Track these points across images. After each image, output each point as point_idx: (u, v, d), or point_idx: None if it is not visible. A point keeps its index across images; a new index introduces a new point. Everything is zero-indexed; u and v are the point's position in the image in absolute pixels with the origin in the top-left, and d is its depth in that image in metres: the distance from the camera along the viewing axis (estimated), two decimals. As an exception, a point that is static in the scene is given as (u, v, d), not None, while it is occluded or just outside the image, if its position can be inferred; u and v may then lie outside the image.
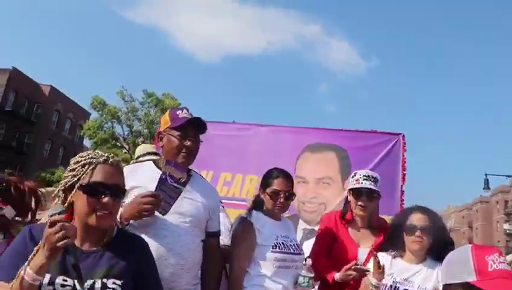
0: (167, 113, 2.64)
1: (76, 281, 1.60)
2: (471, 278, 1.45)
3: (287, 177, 2.95)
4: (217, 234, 2.71)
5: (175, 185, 2.34)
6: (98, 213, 1.68)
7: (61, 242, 1.49)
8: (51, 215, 1.80)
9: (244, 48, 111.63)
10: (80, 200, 1.69)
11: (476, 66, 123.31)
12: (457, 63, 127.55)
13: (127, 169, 2.45)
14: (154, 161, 2.64)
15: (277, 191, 2.86)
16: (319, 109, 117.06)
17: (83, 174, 1.72)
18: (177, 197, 2.36)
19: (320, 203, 5.08)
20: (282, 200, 2.87)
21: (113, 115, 31.53)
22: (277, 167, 3.04)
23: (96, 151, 1.84)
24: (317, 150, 5.22)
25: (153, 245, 2.28)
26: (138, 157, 4.11)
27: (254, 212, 2.88)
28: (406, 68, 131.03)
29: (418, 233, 2.72)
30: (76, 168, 1.74)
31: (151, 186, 2.34)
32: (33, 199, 2.19)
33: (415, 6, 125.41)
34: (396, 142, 5.13)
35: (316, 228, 4.96)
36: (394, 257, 2.82)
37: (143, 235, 2.25)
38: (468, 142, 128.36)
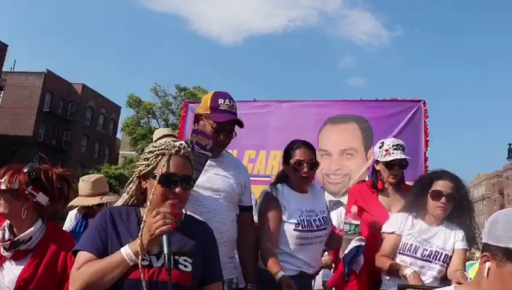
0: (210, 96, 2.57)
1: (152, 257, 1.70)
2: None
3: (309, 147, 2.85)
4: (250, 209, 2.70)
5: (202, 151, 2.33)
6: (170, 201, 1.75)
7: (160, 228, 1.64)
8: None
9: (266, 28, 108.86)
10: (152, 189, 1.75)
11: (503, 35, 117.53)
12: (484, 24, 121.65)
13: None
14: (186, 142, 2.64)
15: (300, 161, 2.76)
16: (345, 83, 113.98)
17: (156, 164, 1.78)
18: (205, 163, 2.35)
19: (344, 175, 5.01)
20: (306, 169, 2.76)
21: (148, 110, 32.08)
22: (297, 139, 2.96)
23: (168, 141, 1.88)
24: (339, 122, 5.12)
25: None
26: (156, 140, 4.17)
27: (279, 185, 2.80)
28: (432, 33, 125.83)
29: (443, 200, 2.70)
30: (150, 157, 1.80)
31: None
32: (65, 185, 2.22)
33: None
34: (417, 109, 4.97)
35: (342, 199, 4.93)
36: (415, 217, 2.80)
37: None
38: (495, 110, 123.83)
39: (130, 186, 1.90)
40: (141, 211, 1.83)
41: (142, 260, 1.66)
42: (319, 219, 2.78)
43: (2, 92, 34.14)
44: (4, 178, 2.04)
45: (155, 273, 1.68)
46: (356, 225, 2.69)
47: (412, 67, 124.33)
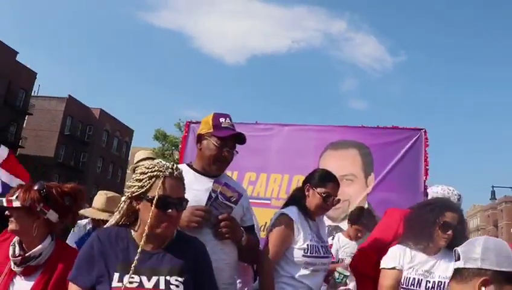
0: (210, 117, 2.48)
1: (142, 278, 1.63)
2: None
3: (338, 183, 2.77)
4: (252, 227, 2.59)
5: (225, 202, 2.31)
6: (164, 224, 1.69)
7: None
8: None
9: (269, 48, 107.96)
10: (147, 211, 1.69)
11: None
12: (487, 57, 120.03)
13: None
14: (188, 164, 2.54)
15: (330, 194, 2.66)
16: (347, 106, 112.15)
17: (150, 186, 1.71)
18: None
19: (344, 200, 4.70)
20: (330, 204, 2.68)
21: (173, 144, 32.68)
22: (326, 169, 2.88)
23: (160, 162, 1.80)
24: (340, 148, 4.90)
25: None
26: (138, 162, 4.05)
27: (294, 208, 2.65)
28: (435, 61, 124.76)
29: (450, 232, 2.54)
30: (143, 179, 1.73)
31: (194, 187, 2.23)
32: (74, 202, 2.16)
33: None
34: (418, 137, 4.76)
35: (340, 224, 4.71)
36: (412, 248, 2.62)
37: (188, 232, 2.17)
38: (494, 139, 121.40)
39: (121, 206, 1.81)
40: (132, 232, 1.76)
41: (131, 283, 1.60)
42: (325, 246, 2.70)
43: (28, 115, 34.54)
44: (16, 195, 2.01)
45: None
46: (346, 276, 2.80)
47: (414, 93, 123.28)
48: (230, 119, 2.49)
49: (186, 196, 2.07)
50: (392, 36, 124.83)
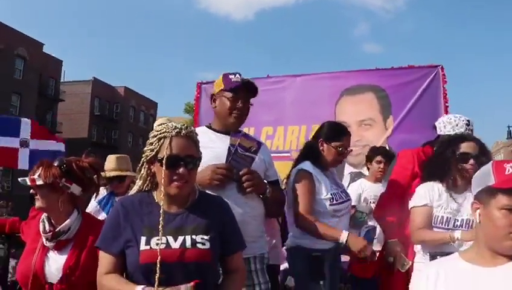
0: (221, 77, 2.44)
1: (169, 238, 1.61)
2: (491, 182, 1.43)
3: (350, 134, 2.77)
4: (277, 182, 2.53)
5: (246, 153, 2.25)
6: (176, 183, 1.66)
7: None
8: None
9: (277, 0, 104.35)
10: (159, 172, 1.68)
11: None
12: None
13: None
14: (207, 126, 2.48)
15: (345, 146, 2.68)
16: (362, 51, 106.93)
17: (159, 147, 1.69)
18: (250, 166, 2.25)
19: (364, 146, 4.56)
20: (345, 155, 2.74)
21: None
22: (337, 122, 3.02)
23: (170, 123, 1.76)
24: (356, 93, 4.68)
25: (222, 197, 2.11)
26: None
27: (307, 163, 2.63)
28: None
29: (471, 161, 2.37)
30: (153, 142, 1.72)
31: (214, 146, 2.23)
32: (95, 174, 2.17)
33: None
34: (435, 74, 4.51)
35: (362, 170, 4.53)
36: (440, 186, 2.47)
37: (212, 190, 2.15)
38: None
39: (141, 172, 1.78)
40: (154, 195, 1.74)
41: (157, 244, 1.59)
42: (342, 191, 2.71)
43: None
44: (38, 174, 2.00)
45: (174, 254, 1.59)
46: (366, 214, 2.92)
47: (428, 30, 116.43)
48: (240, 75, 2.40)
49: (206, 154, 1.99)
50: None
